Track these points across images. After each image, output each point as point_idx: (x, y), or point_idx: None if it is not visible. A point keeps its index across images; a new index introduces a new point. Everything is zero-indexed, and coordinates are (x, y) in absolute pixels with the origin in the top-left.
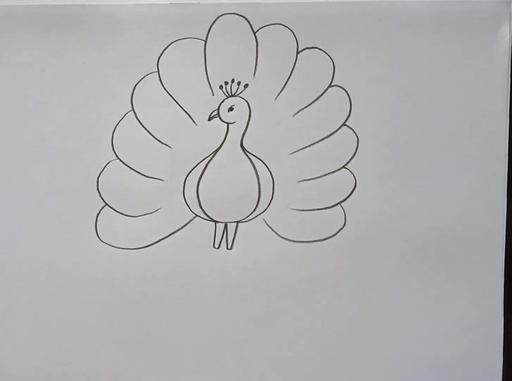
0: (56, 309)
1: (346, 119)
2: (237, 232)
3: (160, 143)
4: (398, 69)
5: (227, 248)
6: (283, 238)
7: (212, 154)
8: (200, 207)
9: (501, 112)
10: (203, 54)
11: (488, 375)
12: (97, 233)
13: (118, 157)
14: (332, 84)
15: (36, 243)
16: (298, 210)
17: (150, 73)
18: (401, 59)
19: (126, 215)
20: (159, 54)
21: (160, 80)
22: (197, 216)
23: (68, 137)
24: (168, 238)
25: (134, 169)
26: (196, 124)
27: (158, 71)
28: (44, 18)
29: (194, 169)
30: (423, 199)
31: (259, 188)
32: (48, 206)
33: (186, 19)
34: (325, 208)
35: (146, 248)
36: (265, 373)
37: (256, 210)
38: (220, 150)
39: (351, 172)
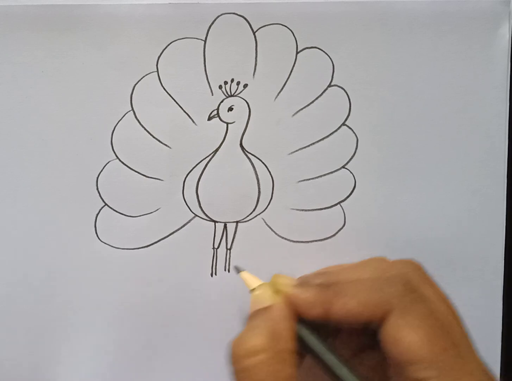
0: (55, 308)
1: (346, 119)
2: (237, 232)
3: (160, 143)
4: (398, 69)
5: (227, 248)
6: (282, 237)
7: (212, 154)
8: (200, 206)
9: (501, 112)
10: (202, 54)
11: None
12: (96, 233)
13: (117, 157)
14: (332, 84)
15: (35, 243)
16: (297, 210)
17: (150, 73)
18: (400, 59)
19: (125, 215)
20: (159, 54)
21: (160, 80)
22: (196, 215)
23: (67, 137)
24: (168, 238)
25: (133, 169)
26: (195, 124)
27: (158, 71)
28: (43, 18)
29: (194, 169)
30: (423, 198)
31: (259, 188)
32: (47, 206)
33: (186, 19)
34: (325, 208)
35: (146, 248)
36: None
37: (256, 209)
38: (219, 150)
39: (351, 172)
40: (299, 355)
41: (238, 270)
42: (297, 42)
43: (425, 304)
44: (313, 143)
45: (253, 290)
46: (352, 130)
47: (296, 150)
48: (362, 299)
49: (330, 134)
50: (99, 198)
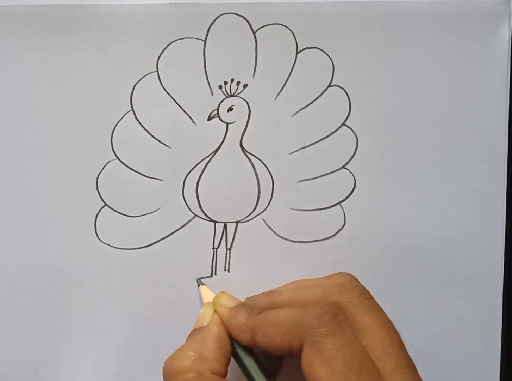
0: (56, 309)
1: (346, 119)
2: (237, 232)
3: (160, 143)
4: (398, 69)
5: (227, 248)
6: (282, 238)
7: (212, 154)
8: (200, 206)
9: (501, 112)
10: (202, 54)
11: (486, 376)
12: (96, 233)
13: (117, 157)
14: (332, 84)
15: (35, 243)
16: (297, 210)
17: (150, 73)
18: (400, 59)
19: (125, 215)
20: (159, 54)
21: (160, 80)
22: (196, 216)
23: (67, 137)
24: (168, 238)
25: (133, 169)
26: (195, 124)
27: (158, 71)
28: (43, 18)
29: (194, 169)
30: (423, 199)
31: (259, 188)
32: (47, 206)
33: (186, 19)
34: (325, 208)
35: (146, 248)
36: None
37: (256, 210)
38: (219, 150)
39: (351, 173)
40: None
41: (199, 283)
42: (297, 42)
43: (341, 337)
44: (313, 143)
45: None
46: (352, 130)
47: (296, 150)
48: (281, 329)
49: (330, 134)
50: (99, 198)
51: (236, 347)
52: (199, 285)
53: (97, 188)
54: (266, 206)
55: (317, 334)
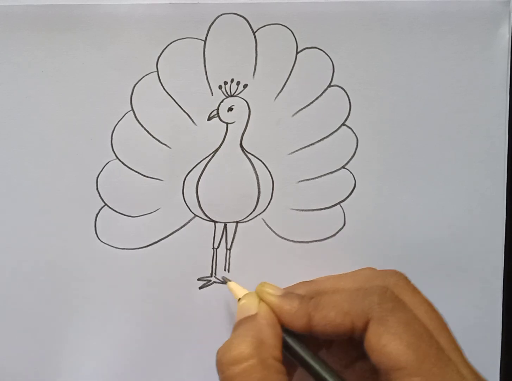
0: (56, 309)
1: (346, 119)
2: (237, 232)
3: (160, 143)
4: (397, 69)
5: (227, 248)
6: (282, 238)
7: (212, 155)
8: (200, 207)
9: (500, 112)
10: (202, 54)
11: (486, 375)
12: (96, 233)
13: (117, 157)
14: (332, 84)
15: (35, 243)
16: (297, 210)
17: (150, 73)
18: (400, 59)
19: (125, 215)
20: (159, 54)
21: (160, 80)
22: (196, 216)
23: (67, 137)
24: (168, 238)
25: (133, 170)
26: (195, 124)
27: (158, 71)
28: (43, 18)
29: (194, 169)
30: (423, 199)
31: (259, 188)
32: (46, 206)
33: (186, 19)
34: (325, 208)
35: (145, 248)
36: None
37: (256, 210)
38: (219, 150)
39: (351, 173)
40: (290, 366)
41: (225, 281)
42: (297, 42)
43: (405, 312)
44: (313, 143)
45: (239, 299)
46: (352, 130)
47: (296, 150)
48: (341, 310)
49: (330, 134)
50: (99, 198)
51: (285, 335)
52: (225, 282)
53: (97, 188)
54: (266, 206)
55: (383, 309)
